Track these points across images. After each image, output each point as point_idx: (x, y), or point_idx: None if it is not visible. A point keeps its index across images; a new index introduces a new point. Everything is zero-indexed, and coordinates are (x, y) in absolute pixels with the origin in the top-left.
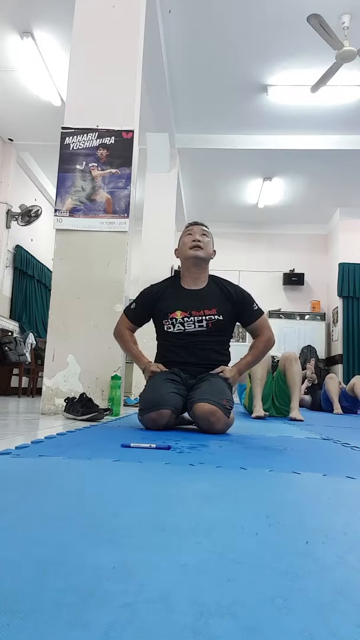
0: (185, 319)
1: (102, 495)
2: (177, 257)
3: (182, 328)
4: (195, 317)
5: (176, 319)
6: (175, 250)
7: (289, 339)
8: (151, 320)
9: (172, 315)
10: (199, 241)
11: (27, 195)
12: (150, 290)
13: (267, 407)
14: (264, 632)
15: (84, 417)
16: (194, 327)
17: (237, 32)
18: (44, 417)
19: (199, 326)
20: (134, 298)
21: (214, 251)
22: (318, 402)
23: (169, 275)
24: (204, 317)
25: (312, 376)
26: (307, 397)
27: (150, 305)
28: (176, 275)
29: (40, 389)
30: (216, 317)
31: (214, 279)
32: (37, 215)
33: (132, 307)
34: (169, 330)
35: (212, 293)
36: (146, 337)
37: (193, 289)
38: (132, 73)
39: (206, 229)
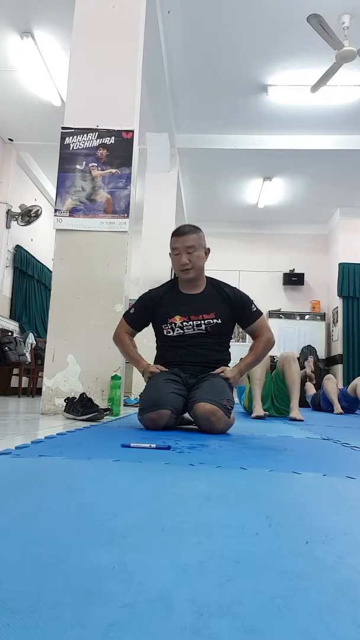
0: (185, 323)
1: (102, 495)
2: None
3: (182, 331)
4: (194, 322)
5: (175, 324)
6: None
7: (289, 339)
8: (150, 325)
9: (172, 320)
10: (187, 263)
11: (27, 195)
12: (149, 295)
13: (267, 407)
14: (264, 632)
15: (84, 417)
16: (193, 330)
17: (237, 32)
18: (44, 417)
19: (198, 329)
20: (133, 303)
21: (208, 250)
22: (318, 402)
23: (169, 277)
24: (202, 321)
25: (311, 375)
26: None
27: (149, 310)
28: (174, 280)
29: (40, 389)
30: (215, 320)
31: (212, 282)
32: (37, 215)
33: (131, 312)
34: (169, 334)
35: (210, 297)
36: (146, 338)
37: (191, 294)
38: (132, 73)
39: (192, 238)
